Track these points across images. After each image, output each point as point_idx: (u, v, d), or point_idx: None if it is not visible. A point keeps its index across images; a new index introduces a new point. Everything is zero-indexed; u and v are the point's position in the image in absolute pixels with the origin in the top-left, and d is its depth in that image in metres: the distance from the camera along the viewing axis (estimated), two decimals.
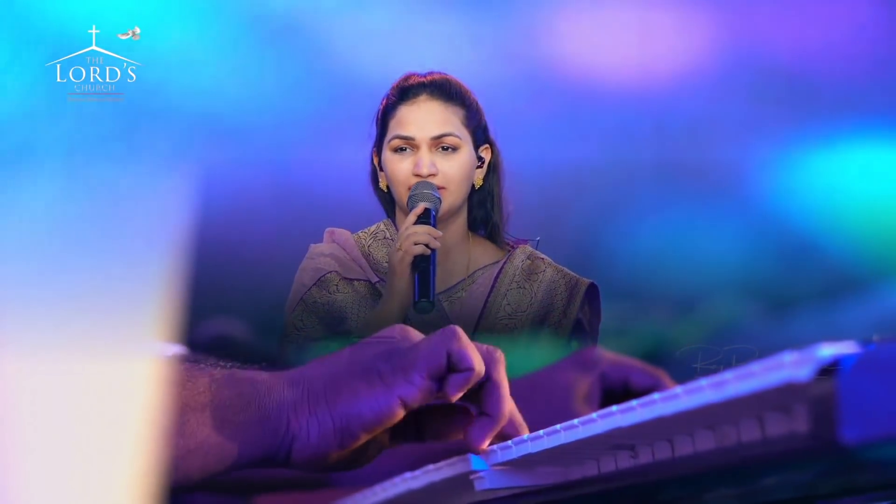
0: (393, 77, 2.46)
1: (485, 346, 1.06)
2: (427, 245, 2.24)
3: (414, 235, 2.26)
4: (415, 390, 0.99)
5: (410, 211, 2.29)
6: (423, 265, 2.24)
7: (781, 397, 0.73)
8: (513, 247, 2.45)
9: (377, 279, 2.35)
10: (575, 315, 2.38)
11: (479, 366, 1.02)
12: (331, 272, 2.36)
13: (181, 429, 0.94)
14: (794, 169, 3.54)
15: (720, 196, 3.59)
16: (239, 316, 2.93)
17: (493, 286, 2.38)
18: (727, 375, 0.75)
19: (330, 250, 2.40)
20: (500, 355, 1.05)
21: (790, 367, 0.71)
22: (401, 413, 1.00)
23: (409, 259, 2.25)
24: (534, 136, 3.50)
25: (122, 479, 0.90)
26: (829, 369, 0.70)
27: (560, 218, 3.32)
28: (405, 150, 2.35)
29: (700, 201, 3.59)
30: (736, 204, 3.58)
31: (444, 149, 2.35)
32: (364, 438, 1.00)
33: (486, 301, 2.37)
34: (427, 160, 2.33)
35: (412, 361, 1.00)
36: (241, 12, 3.35)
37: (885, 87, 3.52)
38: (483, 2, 3.57)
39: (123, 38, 2.60)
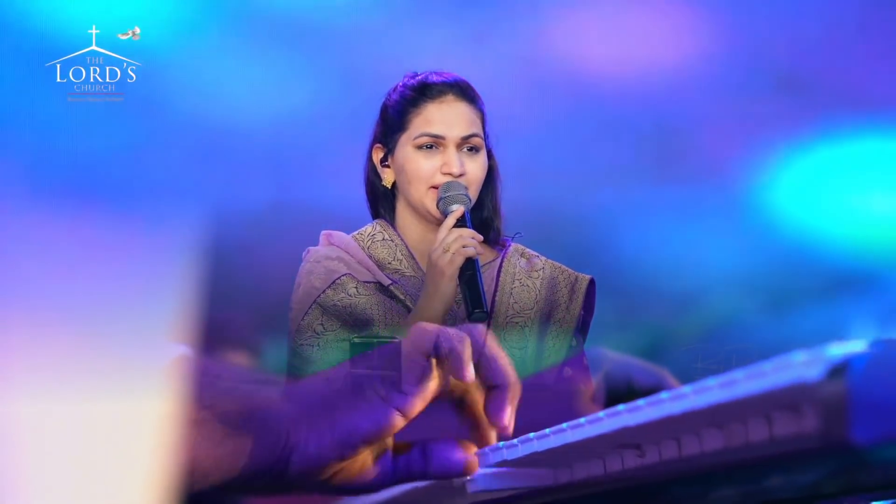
0: (392, 77, 2.45)
1: (454, 329, 1.06)
2: (474, 249, 2.23)
3: (462, 239, 2.23)
4: (409, 399, 1.00)
5: (444, 213, 2.28)
6: (470, 272, 2.22)
7: (791, 397, 0.72)
8: (502, 245, 2.44)
9: (389, 282, 2.33)
10: (579, 311, 2.38)
11: (459, 344, 1.01)
12: (344, 275, 2.32)
13: (185, 443, 0.96)
14: (793, 166, 3.54)
15: (720, 193, 3.59)
16: (242, 311, 2.92)
17: (496, 285, 2.37)
18: (737, 375, 0.75)
19: (336, 253, 2.37)
20: (480, 329, 1.05)
21: (800, 366, 0.71)
22: (401, 423, 1.01)
23: (459, 261, 2.22)
24: (534, 134, 3.50)
25: (137, 493, 0.91)
26: (839, 369, 0.70)
27: (560, 215, 3.32)
28: (432, 147, 2.34)
29: (700, 198, 3.59)
30: (736, 201, 3.58)
31: (470, 149, 2.34)
32: (363, 450, 1.01)
33: (493, 300, 2.36)
34: (457, 159, 2.32)
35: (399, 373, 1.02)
36: (241, 14, 3.34)
37: (883, 83, 3.52)
38: (483, 3, 3.57)
39: (123, 38, 2.60)
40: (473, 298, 2.20)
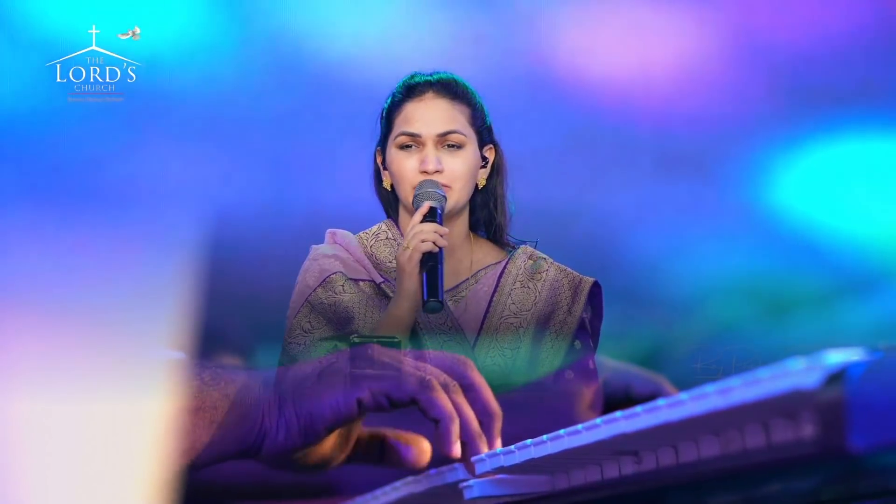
0: (392, 78, 2.45)
1: (449, 357, 1.10)
2: (434, 243, 2.22)
3: (421, 234, 2.23)
4: (371, 399, 1.07)
5: (416, 210, 2.28)
6: (431, 263, 2.21)
7: (789, 404, 0.72)
8: (513, 247, 2.44)
9: (382, 280, 2.33)
10: (580, 314, 2.36)
11: (451, 411, 1.06)
12: (336, 273, 2.33)
13: (176, 430, 1.00)
14: (794, 170, 3.53)
15: (721, 196, 3.59)
16: (235, 315, 2.92)
17: (496, 286, 2.37)
18: (734, 382, 0.74)
19: (333, 251, 2.38)
20: (419, 369, 1.09)
21: (798, 373, 0.71)
22: (356, 414, 1.07)
23: (417, 257, 2.22)
24: (534, 135, 3.50)
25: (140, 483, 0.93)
26: (836, 376, 0.70)
27: (560, 220, 3.32)
28: (411, 147, 2.34)
29: (700, 202, 3.58)
30: (736, 205, 3.57)
31: (450, 146, 2.34)
32: (325, 435, 1.09)
33: (491, 300, 2.36)
34: (433, 157, 2.32)
35: (386, 383, 1.07)
36: (241, 14, 3.34)
37: (886, 85, 3.51)
38: (484, 2, 3.56)
39: (123, 38, 2.59)
40: (430, 288, 2.20)
